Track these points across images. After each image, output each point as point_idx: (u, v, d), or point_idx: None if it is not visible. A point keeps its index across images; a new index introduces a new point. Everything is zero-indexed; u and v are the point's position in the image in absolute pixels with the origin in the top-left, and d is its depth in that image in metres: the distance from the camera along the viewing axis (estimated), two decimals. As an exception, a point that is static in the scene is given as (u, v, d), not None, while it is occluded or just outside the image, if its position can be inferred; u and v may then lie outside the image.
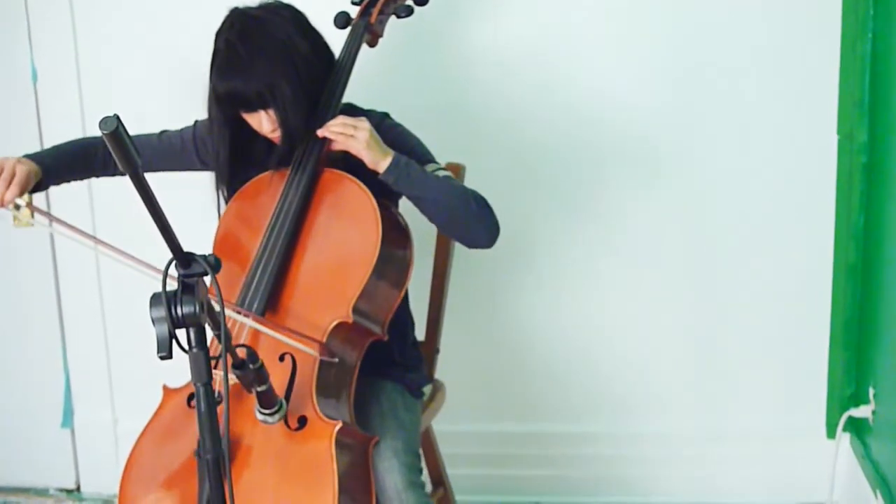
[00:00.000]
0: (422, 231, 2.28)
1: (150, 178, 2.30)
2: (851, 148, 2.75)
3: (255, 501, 1.94)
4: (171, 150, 2.37)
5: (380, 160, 2.11)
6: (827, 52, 2.73)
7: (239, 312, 2.08)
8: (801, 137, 2.81)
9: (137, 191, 1.40)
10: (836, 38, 2.72)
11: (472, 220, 2.16)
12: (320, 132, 2.14)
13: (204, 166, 2.36)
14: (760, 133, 2.82)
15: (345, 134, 2.11)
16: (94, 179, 2.42)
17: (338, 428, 1.96)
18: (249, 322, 2.06)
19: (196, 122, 2.36)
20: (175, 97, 2.92)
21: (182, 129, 2.38)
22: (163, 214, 1.46)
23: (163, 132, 2.39)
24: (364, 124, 2.11)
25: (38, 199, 3.09)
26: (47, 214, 2.16)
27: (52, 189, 3.05)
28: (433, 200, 2.15)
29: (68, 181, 2.34)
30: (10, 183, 2.12)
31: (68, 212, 3.09)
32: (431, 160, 2.24)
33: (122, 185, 2.20)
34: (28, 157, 2.22)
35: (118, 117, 1.31)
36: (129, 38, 2.98)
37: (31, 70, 3.03)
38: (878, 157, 2.67)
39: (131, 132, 1.37)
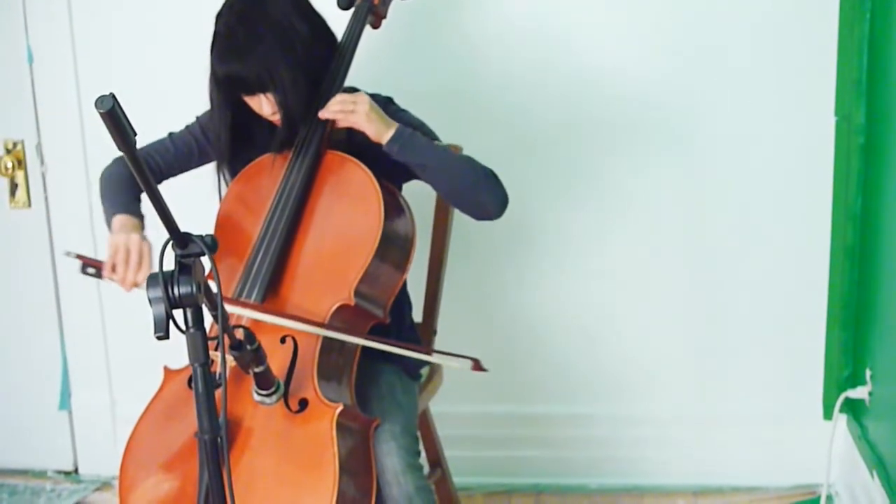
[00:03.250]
0: (419, 212, 2.28)
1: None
2: (849, 129, 2.74)
3: (255, 483, 1.94)
4: (189, 152, 2.33)
5: (383, 131, 2.11)
6: (825, 32, 2.73)
7: (237, 304, 2.07)
8: (799, 119, 2.80)
9: (134, 170, 1.40)
10: (834, 19, 2.71)
11: (480, 188, 2.16)
12: (321, 114, 2.14)
13: None
14: (758, 115, 2.82)
15: (344, 111, 2.11)
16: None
17: (339, 411, 1.95)
18: (247, 313, 2.06)
19: (197, 117, 2.34)
20: (171, 78, 2.91)
21: (189, 128, 2.34)
22: (159, 194, 1.45)
23: (170, 135, 2.35)
24: (362, 97, 2.11)
25: (39, 195, 3.10)
26: None
27: (50, 182, 3.08)
28: (439, 169, 2.15)
29: None
30: (140, 265, 2.06)
31: (67, 201, 3.11)
32: (436, 139, 2.23)
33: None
34: (128, 213, 2.15)
35: (114, 96, 1.31)
36: (125, 19, 2.97)
37: (26, 52, 3.02)
38: (875, 138, 2.67)
39: (132, 121, 1.37)
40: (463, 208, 2.23)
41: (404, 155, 2.12)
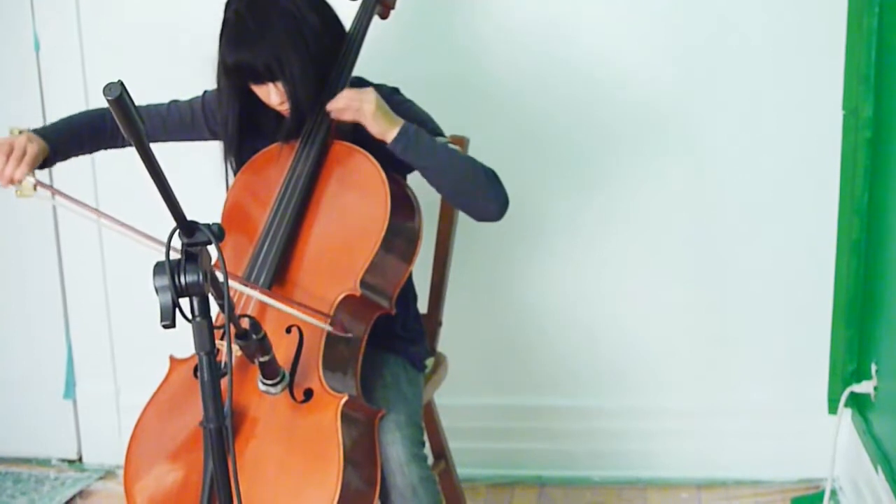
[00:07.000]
0: (425, 203, 2.27)
1: (159, 149, 2.31)
2: (856, 123, 2.74)
3: (260, 473, 1.94)
4: (181, 121, 2.35)
5: (387, 130, 2.10)
6: (833, 26, 2.72)
7: (246, 285, 2.07)
8: (807, 112, 2.80)
9: (141, 158, 1.40)
10: (842, 13, 2.71)
11: (481, 191, 2.15)
12: (328, 109, 2.13)
13: (213, 136, 2.35)
14: (766, 108, 2.81)
15: (350, 108, 2.11)
16: (97, 157, 2.41)
17: (343, 401, 1.95)
18: (256, 294, 2.06)
19: (205, 92, 2.34)
20: (178, 66, 2.89)
21: (191, 100, 2.36)
22: (167, 183, 1.45)
23: (171, 102, 2.37)
24: (369, 95, 2.10)
25: (43, 174, 3.09)
26: (51, 188, 2.14)
27: (55, 171, 3.05)
28: (441, 170, 2.14)
29: (76, 156, 2.31)
30: (20, 161, 2.09)
31: (72, 189, 3.10)
32: (441, 135, 2.23)
33: (125, 160, 2.21)
34: (36, 132, 2.19)
35: (122, 83, 1.30)
36: (132, 7, 2.97)
37: (33, 40, 3.02)
38: (883, 132, 2.66)
39: (137, 102, 1.36)
40: (463, 209, 2.25)
41: (407, 154, 2.12)
